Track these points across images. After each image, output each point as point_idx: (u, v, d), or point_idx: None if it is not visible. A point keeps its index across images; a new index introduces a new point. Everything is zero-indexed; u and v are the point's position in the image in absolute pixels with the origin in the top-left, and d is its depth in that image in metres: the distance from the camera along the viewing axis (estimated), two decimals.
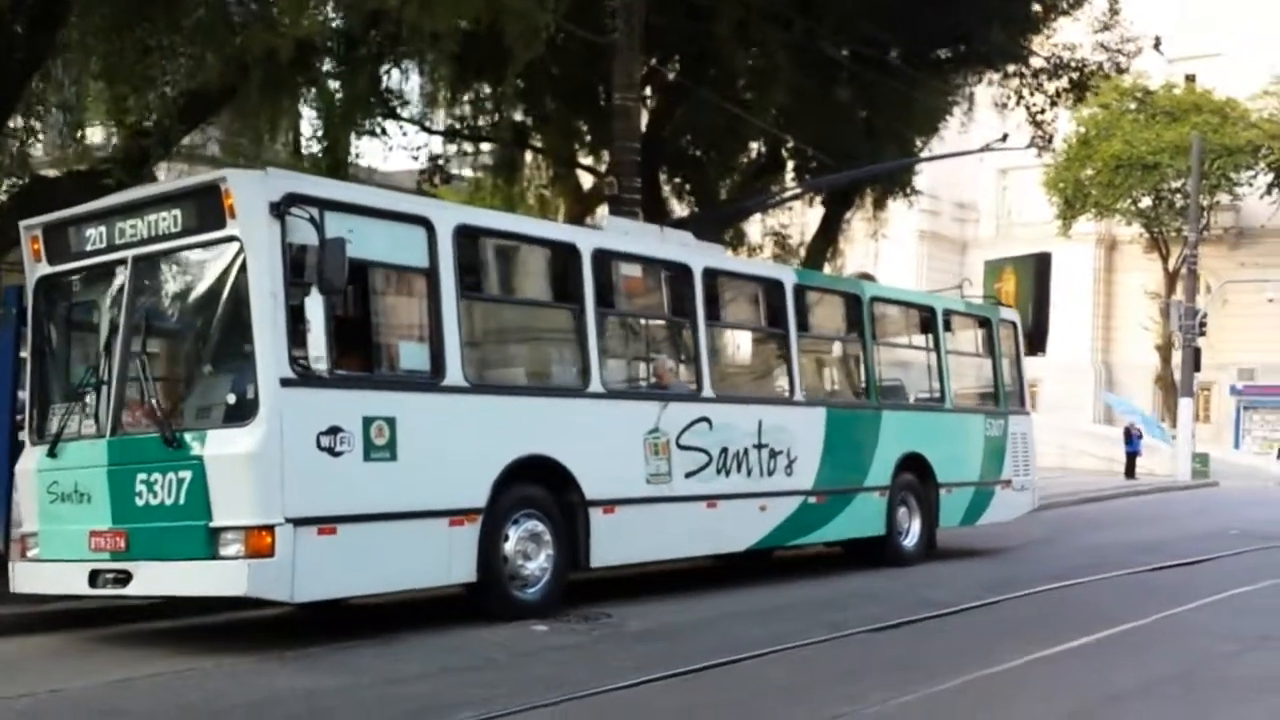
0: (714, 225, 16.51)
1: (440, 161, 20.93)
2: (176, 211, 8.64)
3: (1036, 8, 20.64)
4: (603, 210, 25.76)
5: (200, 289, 8.67)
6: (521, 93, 16.58)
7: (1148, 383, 49.90)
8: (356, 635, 9.06)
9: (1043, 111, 21.60)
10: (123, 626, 9.70)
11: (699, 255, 11.78)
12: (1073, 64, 21.34)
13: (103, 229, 9.07)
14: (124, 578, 8.53)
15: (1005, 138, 17.52)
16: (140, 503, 8.41)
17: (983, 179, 52.91)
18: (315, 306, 8.25)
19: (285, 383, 8.17)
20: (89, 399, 8.97)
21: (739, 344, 12.55)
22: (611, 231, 11.33)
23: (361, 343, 8.87)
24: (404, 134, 20.36)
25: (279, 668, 7.98)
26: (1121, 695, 7.57)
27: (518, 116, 21.35)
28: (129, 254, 8.82)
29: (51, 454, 9.02)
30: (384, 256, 9.04)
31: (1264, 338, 48.44)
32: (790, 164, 22.57)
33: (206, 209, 8.41)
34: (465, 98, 20.13)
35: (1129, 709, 7.27)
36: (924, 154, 22.15)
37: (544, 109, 20.52)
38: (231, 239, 8.31)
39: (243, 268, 8.27)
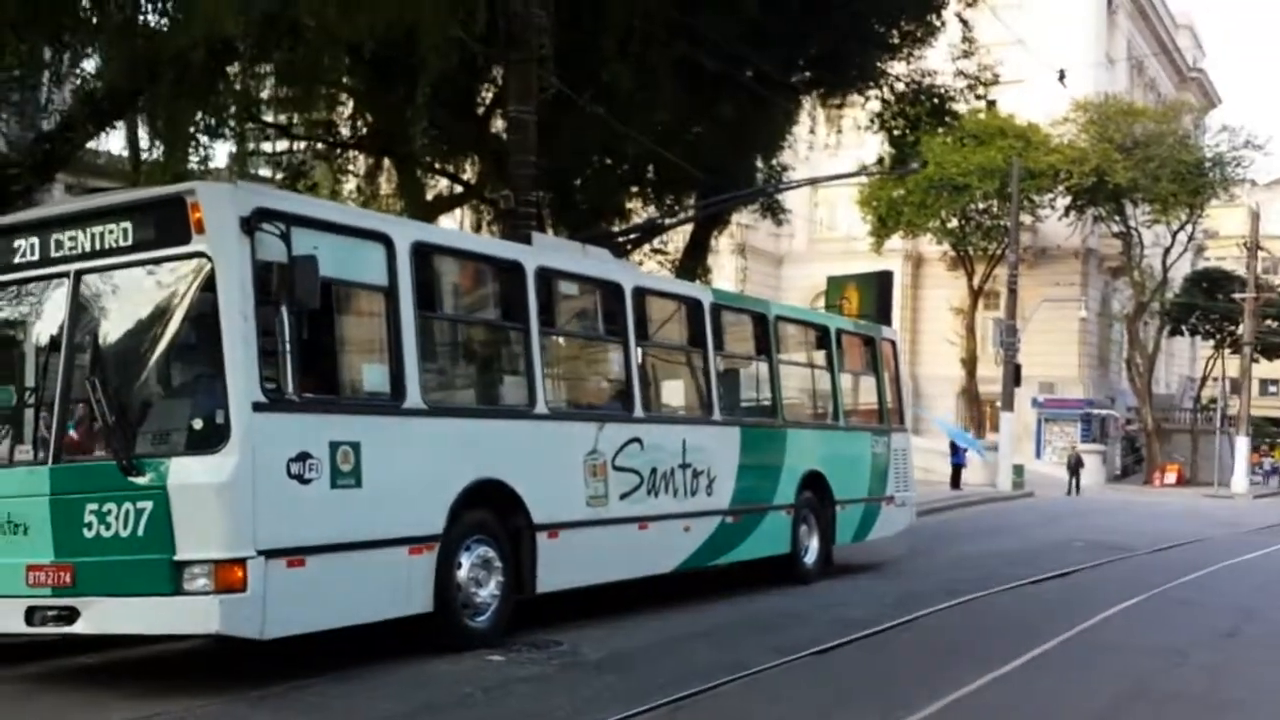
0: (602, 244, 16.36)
1: (302, 167, 20.17)
2: (128, 224, 8.07)
3: (895, 37, 21.16)
4: (446, 218, 25.42)
5: (156, 307, 8.08)
6: (403, 102, 16.14)
7: (952, 395, 51.84)
8: (305, 672, 8.56)
9: (904, 135, 22.23)
10: (42, 664, 8.98)
11: (627, 274, 11.70)
12: (933, 90, 22.01)
13: (35, 240, 8.41)
14: (68, 615, 7.90)
15: (881, 161, 17.95)
16: (90, 535, 7.80)
17: (796, 193, 53.82)
18: (284, 327, 7.84)
19: (257, 407, 7.72)
20: (21, 423, 8.34)
21: (663, 362, 12.48)
22: (542, 249, 11.12)
23: (325, 364, 8.49)
24: (267, 138, 19.60)
25: (252, 710, 7.53)
26: (1101, 716, 7.86)
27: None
28: (70, 268, 8.19)
29: None
30: (345, 274, 8.63)
31: (1062, 353, 51.05)
32: (650, 178, 22.61)
33: (169, 223, 7.87)
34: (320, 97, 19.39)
35: None
36: (787, 173, 22.52)
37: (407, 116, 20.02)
38: (198, 255, 7.82)
39: (209, 286, 7.78)
